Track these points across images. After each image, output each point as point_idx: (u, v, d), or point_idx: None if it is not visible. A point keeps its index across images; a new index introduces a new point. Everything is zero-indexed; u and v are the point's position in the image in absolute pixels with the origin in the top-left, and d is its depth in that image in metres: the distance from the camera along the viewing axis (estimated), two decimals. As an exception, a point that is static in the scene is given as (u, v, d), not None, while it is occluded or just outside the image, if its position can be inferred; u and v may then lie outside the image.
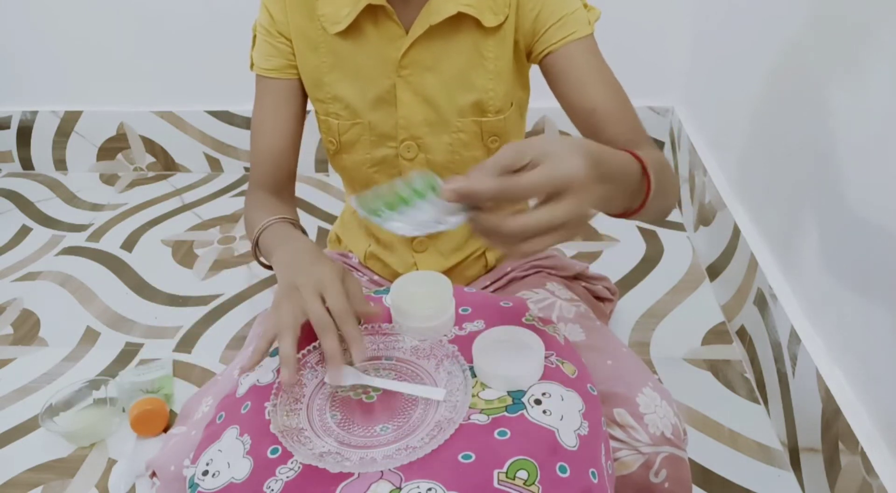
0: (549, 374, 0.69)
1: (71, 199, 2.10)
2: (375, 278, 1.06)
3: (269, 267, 0.87)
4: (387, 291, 0.81)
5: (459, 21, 0.86)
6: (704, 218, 1.63)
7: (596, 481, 0.62)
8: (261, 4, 0.92)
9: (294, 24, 0.90)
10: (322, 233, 1.84)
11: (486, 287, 1.04)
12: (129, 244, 1.86)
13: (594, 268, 1.18)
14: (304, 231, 0.92)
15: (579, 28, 0.86)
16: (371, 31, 0.87)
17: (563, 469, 0.60)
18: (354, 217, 1.07)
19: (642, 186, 0.69)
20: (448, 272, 1.00)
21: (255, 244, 0.90)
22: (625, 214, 0.71)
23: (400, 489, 0.58)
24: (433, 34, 0.86)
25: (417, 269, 1.00)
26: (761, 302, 1.28)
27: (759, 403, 1.29)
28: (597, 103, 0.85)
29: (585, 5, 0.89)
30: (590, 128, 0.86)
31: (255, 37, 0.94)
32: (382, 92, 0.90)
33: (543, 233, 0.55)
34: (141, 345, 1.51)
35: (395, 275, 1.03)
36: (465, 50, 0.88)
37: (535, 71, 0.97)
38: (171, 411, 1.33)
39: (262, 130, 0.95)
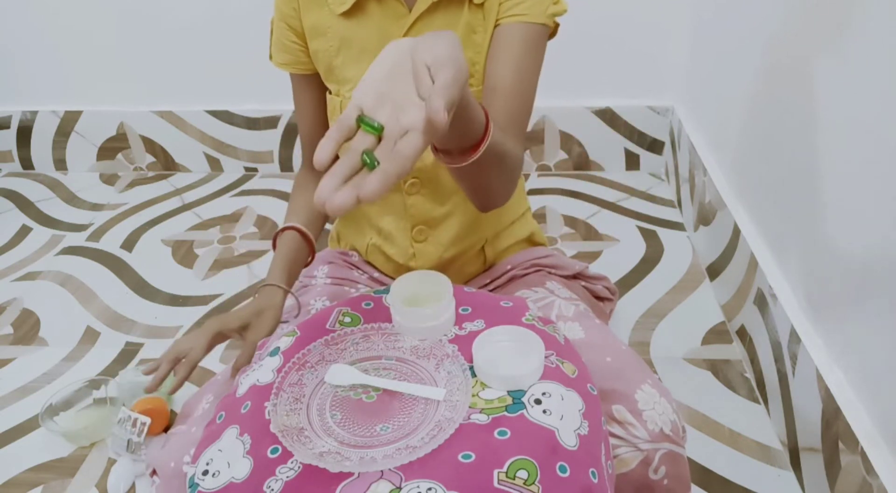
0: (549, 374, 0.69)
1: (71, 199, 2.10)
2: (376, 275, 1.06)
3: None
4: (387, 291, 0.81)
5: None
6: (704, 218, 1.63)
7: (596, 480, 0.62)
8: None
9: (304, 14, 0.92)
10: (323, 233, 1.84)
11: (486, 286, 1.04)
12: (129, 244, 1.86)
13: (594, 268, 1.18)
14: (304, 234, 1.01)
15: (533, 13, 0.87)
16: (375, 9, 0.89)
17: (563, 469, 0.60)
18: (356, 212, 1.07)
19: (479, 137, 0.69)
20: (447, 266, 1.01)
21: (275, 240, 1.01)
22: (451, 156, 0.71)
23: (400, 488, 0.58)
24: (435, 11, 0.88)
25: (416, 259, 1.00)
26: (761, 302, 1.28)
27: (759, 403, 1.29)
28: (498, 85, 0.86)
29: None
30: (485, 100, 0.88)
31: (272, 29, 0.97)
32: None
33: None
34: (141, 345, 1.51)
35: (396, 268, 1.03)
36: (461, 25, 0.89)
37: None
38: (172, 410, 1.33)
39: (300, 115, 1.04)
